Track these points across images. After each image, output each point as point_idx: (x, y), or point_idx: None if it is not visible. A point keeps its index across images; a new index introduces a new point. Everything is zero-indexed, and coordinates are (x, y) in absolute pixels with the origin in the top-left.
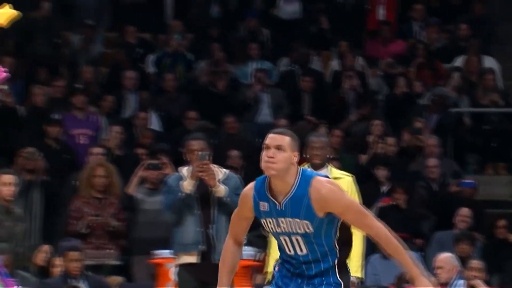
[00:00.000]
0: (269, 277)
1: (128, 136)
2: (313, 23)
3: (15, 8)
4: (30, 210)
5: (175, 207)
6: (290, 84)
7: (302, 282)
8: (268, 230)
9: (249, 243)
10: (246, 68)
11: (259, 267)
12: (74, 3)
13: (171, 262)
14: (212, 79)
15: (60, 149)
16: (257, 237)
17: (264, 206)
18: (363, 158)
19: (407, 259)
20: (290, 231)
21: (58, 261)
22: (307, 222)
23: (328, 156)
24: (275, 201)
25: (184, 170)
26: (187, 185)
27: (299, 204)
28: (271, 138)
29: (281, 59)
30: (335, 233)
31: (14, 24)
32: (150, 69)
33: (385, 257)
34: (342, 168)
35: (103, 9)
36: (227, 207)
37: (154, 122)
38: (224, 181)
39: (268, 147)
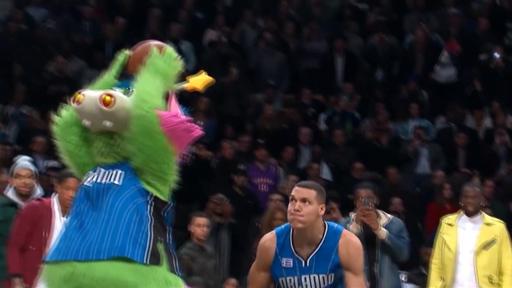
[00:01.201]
0: None
1: None
2: (467, 86)
3: (208, 74)
4: (219, 248)
5: None
6: (446, 140)
7: None
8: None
9: (410, 281)
10: (407, 125)
11: None
12: (258, 69)
13: None
14: (377, 135)
15: (244, 195)
16: (417, 275)
17: (288, 262)
18: None
19: None
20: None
21: None
22: (332, 274)
23: (481, 204)
24: (300, 258)
25: (352, 215)
26: (353, 228)
27: (327, 257)
28: (297, 191)
29: (438, 117)
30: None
31: (208, 88)
32: (322, 126)
33: None
34: (494, 215)
35: (283, 73)
36: (389, 248)
37: (325, 172)
38: (388, 225)
39: (294, 200)
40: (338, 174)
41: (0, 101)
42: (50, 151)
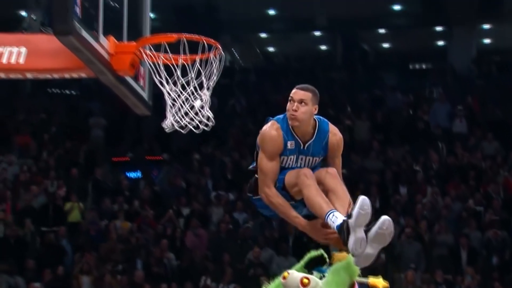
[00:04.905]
0: None
1: None
2: None
3: None
4: None
5: None
6: None
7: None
8: (283, 165)
9: None
10: None
11: None
12: (401, 254)
13: None
14: None
15: None
16: None
17: (291, 144)
18: None
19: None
20: (304, 166)
21: None
22: (321, 156)
23: None
24: (300, 142)
25: None
26: None
27: (320, 143)
28: (295, 93)
29: None
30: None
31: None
32: None
33: None
34: None
35: (420, 258)
36: None
37: None
38: None
39: (292, 100)
40: None
41: (214, 281)
42: None
